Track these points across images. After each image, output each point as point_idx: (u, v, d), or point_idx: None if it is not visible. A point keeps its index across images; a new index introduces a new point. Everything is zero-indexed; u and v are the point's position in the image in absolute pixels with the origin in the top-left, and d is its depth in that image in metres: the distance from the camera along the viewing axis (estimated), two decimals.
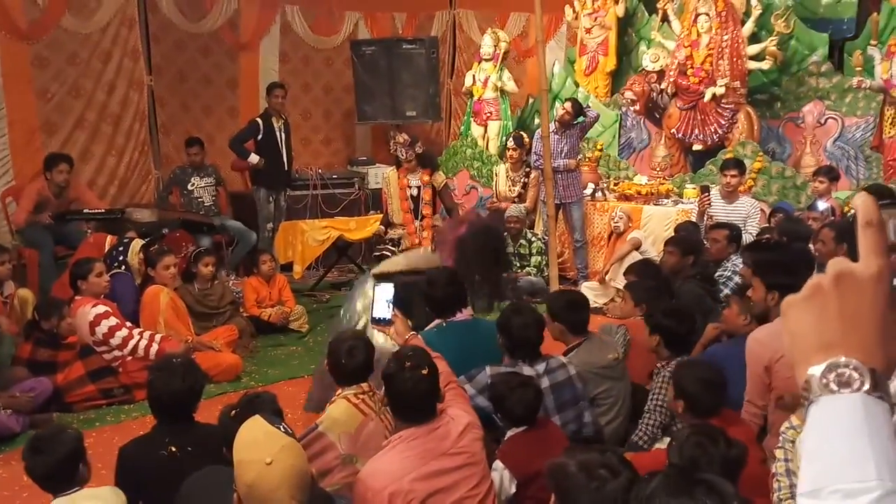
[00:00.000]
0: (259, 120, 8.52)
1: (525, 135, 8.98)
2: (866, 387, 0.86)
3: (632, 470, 2.27)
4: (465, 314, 4.31)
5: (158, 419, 3.39)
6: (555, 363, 3.97)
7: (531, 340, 3.95)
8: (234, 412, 2.98)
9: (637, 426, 4.03)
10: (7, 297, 6.05)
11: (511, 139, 8.83)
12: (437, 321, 4.25)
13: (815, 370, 0.89)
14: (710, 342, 4.66)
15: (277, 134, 8.55)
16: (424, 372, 3.08)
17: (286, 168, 8.69)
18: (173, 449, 3.23)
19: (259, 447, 2.37)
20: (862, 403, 0.86)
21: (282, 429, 2.44)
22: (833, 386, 0.87)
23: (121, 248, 6.17)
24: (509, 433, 3.54)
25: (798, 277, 4.19)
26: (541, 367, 3.90)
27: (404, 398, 3.06)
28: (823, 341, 0.90)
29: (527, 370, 3.85)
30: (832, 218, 6.54)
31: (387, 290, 3.67)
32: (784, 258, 4.70)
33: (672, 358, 4.06)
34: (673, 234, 6.90)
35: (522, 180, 8.81)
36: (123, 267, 6.10)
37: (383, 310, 3.67)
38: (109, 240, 6.42)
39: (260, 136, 8.45)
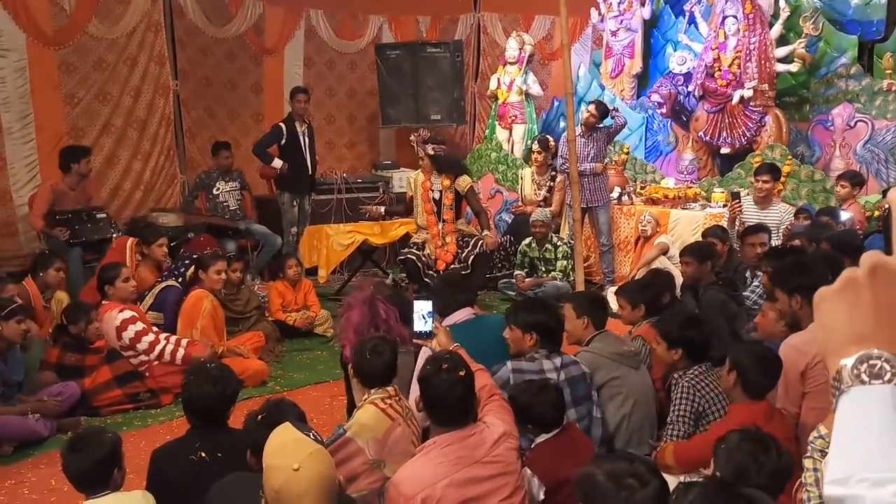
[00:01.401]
0: (282, 125, 8.52)
1: (550, 138, 8.95)
2: None
3: (661, 479, 2.25)
4: (466, 313, 4.31)
5: (191, 423, 3.38)
6: (568, 360, 4.00)
7: (551, 329, 4.00)
8: (259, 417, 2.96)
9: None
10: (47, 301, 6.10)
11: (536, 142, 8.80)
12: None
13: (847, 361, 0.89)
14: None
15: (301, 138, 8.55)
16: (461, 374, 3.06)
17: (310, 172, 8.68)
18: (203, 454, 3.23)
19: (287, 453, 2.38)
20: (892, 395, 0.86)
21: (311, 436, 2.43)
22: (864, 377, 0.87)
23: (186, 262, 6.23)
24: (537, 440, 3.50)
25: (816, 276, 4.19)
26: (558, 361, 3.93)
27: (440, 400, 3.04)
28: (856, 333, 0.89)
29: (546, 363, 3.89)
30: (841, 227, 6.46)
31: (425, 305, 3.65)
32: (799, 260, 4.66)
33: (689, 367, 4.02)
34: (701, 238, 6.83)
35: (548, 184, 8.78)
36: (180, 280, 6.16)
37: (423, 323, 3.65)
38: (130, 243, 6.43)
39: (283, 141, 8.45)
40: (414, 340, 3.78)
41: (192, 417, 3.38)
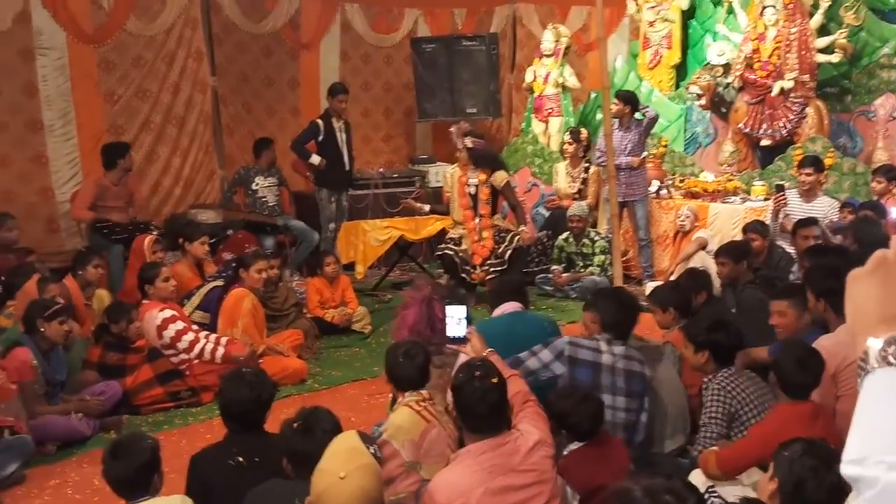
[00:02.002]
0: (320, 121, 8.54)
1: (582, 130, 8.88)
2: None
3: (698, 496, 2.23)
4: (514, 305, 4.33)
5: (229, 428, 3.42)
6: (633, 354, 3.99)
7: (620, 322, 4.02)
8: (295, 424, 2.99)
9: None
10: (89, 298, 6.19)
11: (568, 133, 8.74)
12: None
13: (875, 342, 0.88)
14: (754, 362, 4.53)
15: (338, 135, 8.57)
16: (494, 381, 3.06)
17: (347, 168, 8.71)
18: (241, 459, 3.26)
19: (338, 460, 2.46)
20: None
21: (371, 450, 2.50)
22: (891, 359, 0.87)
23: (233, 265, 6.30)
24: (570, 447, 3.50)
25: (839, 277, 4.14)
26: (618, 349, 3.93)
27: (473, 408, 3.04)
28: (886, 314, 0.90)
29: (603, 345, 3.91)
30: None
31: (459, 310, 3.66)
32: (832, 263, 4.61)
33: (719, 370, 3.98)
34: (741, 232, 6.76)
35: (581, 176, 8.71)
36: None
37: (458, 328, 3.65)
38: (147, 242, 6.52)
39: (321, 138, 8.48)
40: (447, 346, 3.78)
41: (229, 422, 3.41)
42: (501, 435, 3.04)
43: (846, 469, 0.86)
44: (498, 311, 4.32)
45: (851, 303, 0.93)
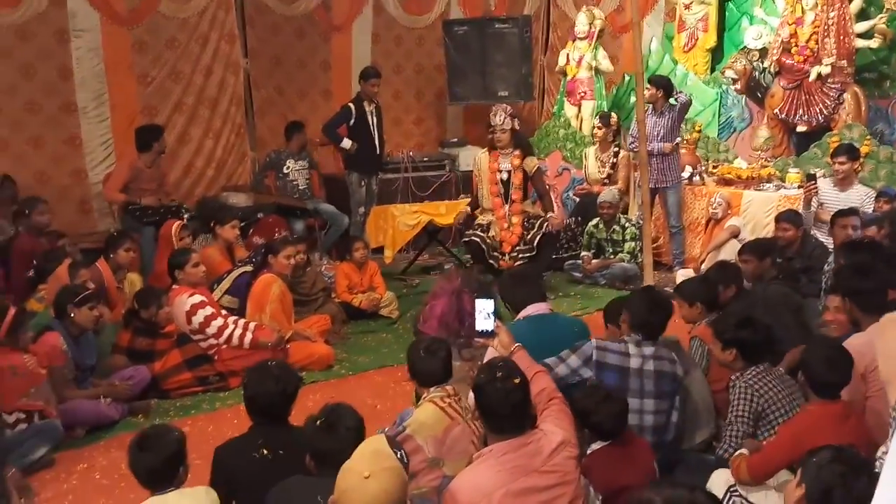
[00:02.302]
0: (351, 105, 8.54)
1: (612, 114, 8.79)
2: None
3: None
4: (541, 307, 4.26)
5: (253, 420, 3.44)
6: (665, 354, 3.94)
7: (650, 322, 3.96)
8: (318, 422, 3.00)
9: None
10: (120, 282, 6.26)
11: (597, 118, 8.65)
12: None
13: None
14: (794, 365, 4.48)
15: (369, 118, 8.57)
16: (516, 381, 3.04)
17: (378, 152, 8.70)
18: (265, 451, 3.28)
19: (365, 460, 2.49)
20: None
21: (397, 454, 2.53)
22: None
23: (262, 251, 6.32)
24: (594, 446, 3.48)
25: (873, 281, 4.09)
26: (648, 350, 3.89)
27: (496, 409, 3.02)
28: None
29: (633, 349, 3.87)
30: None
31: (487, 303, 3.64)
32: (861, 261, 4.53)
33: (747, 368, 3.93)
34: (774, 222, 6.68)
35: (611, 160, 8.63)
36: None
37: (486, 322, 3.64)
38: (175, 228, 6.58)
39: (352, 121, 8.47)
40: (475, 340, 3.77)
41: (254, 415, 3.43)
42: (524, 435, 3.03)
43: None
44: (524, 313, 4.25)
45: (884, 349, 0.92)
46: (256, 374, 3.47)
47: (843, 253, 5.22)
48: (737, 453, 3.58)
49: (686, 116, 8.39)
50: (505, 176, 7.48)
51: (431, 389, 3.61)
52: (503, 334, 3.62)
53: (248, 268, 6.15)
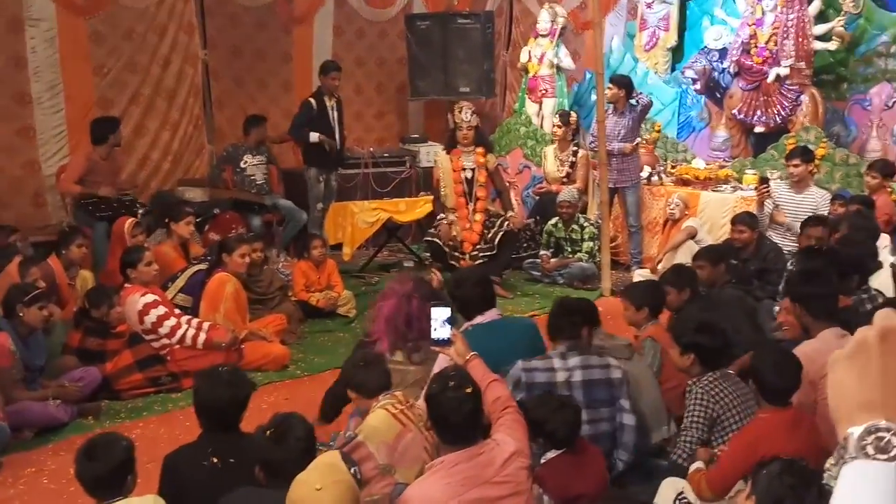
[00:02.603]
0: (312, 100, 8.46)
1: (572, 113, 8.79)
2: None
3: None
4: (491, 315, 4.23)
5: (204, 427, 3.40)
6: (594, 361, 3.93)
7: (563, 323, 3.96)
8: (268, 432, 2.97)
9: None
10: (72, 278, 6.15)
11: (557, 116, 8.63)
12: (465, 325, 4.19)
13: (855, 430, 0.86)
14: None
15: (330, 113, 8.50)
16: (468, 391, 3.03)
17: (339, 147, 8.64)
18: (215, 460, 3.25)
19: (318, 473, 2.57)
20: (894, 474, 0.83)
21: (352, 471, 2.60)
22: (870, 450, 0.85)
23: (217, 249, 6.23)
24: (547, 455, 3.48)
25: (822, 287, 4.14)
26: (574, 360, 3.87)
27: (447, 419, 3.02)
28: (865, 400, 0.87)
29: (558, 363, 3.85)
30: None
31: (443, 311, 3.62)
32: (812, 268, 4.58)
33: (704, 374, 3.95)
34: (731, 224, 6.72)
35: (570, 160, 8.62)
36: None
37: (442, 330, 3.62)
38: (127, 226, 6.48)
39: (313, 115, 8.39)
40: (431, 348, 3.75)
41: (204, 421, 3.39)
42: (477, 445, 3.02)
43: None
44: (475, 320, 4.24)
45: (832, 387, 0.91)
46: (207, 380, 3.43)
47: (799, 258, 5.27)
48: (693, 468, 3.58)
49: (646, 116, 8.44)
50: (469, 174, 7.47)
51: (381, 397, 3.58)
52: (459, 343, 3.60)
53: (203, 266, 6.07)
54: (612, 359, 4.04)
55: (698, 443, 3.82)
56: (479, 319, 4.20)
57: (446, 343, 3.61)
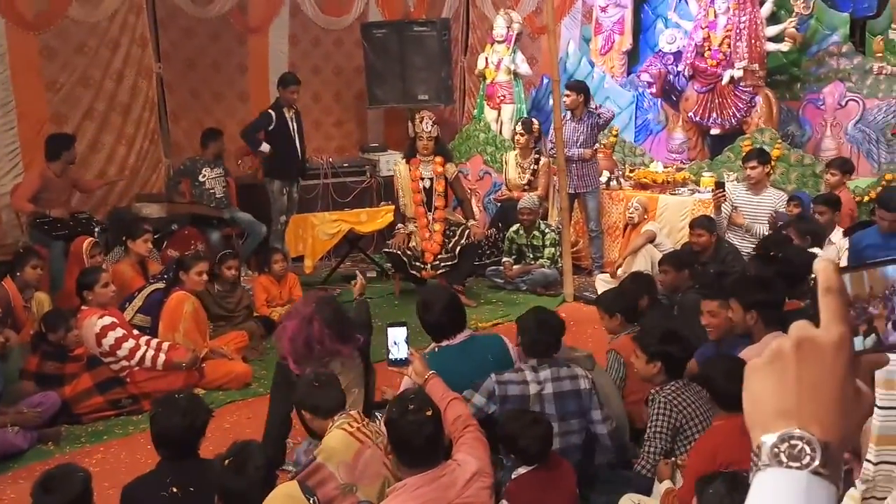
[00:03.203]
0: (271, 111, 8.42)
1: (535, 121, 8.81)
2: (816, 463, 0.84)
3: None
4: (461, 336, 4.19)
5: (162, 455, 3.37)
6: (565, 373, 3.94)
7: (542, 342, 3.99)
8: (227, 461, 2.95)
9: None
10: (28, 301, 6.05)
11: (520, 124, 8.64)
12: (431, 345, 4.18)
13: (768, 438, 0.87)
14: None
15: (290, 124, 8.47)
16: (428, 414, 3.03)
17: (300, 158, 8.60)
18: (175, 489, 3.21)
19: (277, 502, 2.73)
20: (806, 483, 0.84)
21: (311, 501, 2.74)
22: (783, 457, 0.85)
23: (174, 267, 6.14)
24: (518, 471, 3.48)
25: (775, 294, 4.19)
26: (545, 373, 3.89)
27: (408, 443, 3.01)
28: (780, 408, 0.88)
29: (529, 375, 3.87)
30: None
31: (399, 331, 3.61)
32: (762, 274, 4.64)
33: (668, 382, 3.98)
34: (689, 228, 6.78)
35: (532, 167, 8.63)
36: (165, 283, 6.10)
37: (399, 350, 3.60)
38: (86, 246, 6.39)
39: (272, 127, 8.35)
40: (389, 368, 3.74)
41: (162, 450, 3.36)
42: (438, 467, 3.02)
43: None
44: (452, 339, 4.15)
45: (748, 395, 0.93)
46: (163, 407, 3.40)
47: (753, 265, 5.31)
48: (664, 489, 3.59)
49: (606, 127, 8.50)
50: (427, 184, 7.47)
51: (337, 416, 3.57)
52: (417, 362, 3.60)
53: (161, 284, 6.00)
54: (580, 368, 4.06)
55: (661, 453, 3.84)
56: (448, 342, 4.14)
57: (404, 363, 3.60)
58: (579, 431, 3.91)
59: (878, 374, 1.80)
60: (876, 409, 1.87)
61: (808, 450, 0.85)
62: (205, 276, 5.89)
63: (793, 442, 0.85)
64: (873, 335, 0.91)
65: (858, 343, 0.90)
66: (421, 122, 7.44)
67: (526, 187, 8.54)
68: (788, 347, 0.89)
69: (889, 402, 1.87)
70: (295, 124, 8.55)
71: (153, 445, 3.40)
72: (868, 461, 1.97)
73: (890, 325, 0.90)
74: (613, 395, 4.38)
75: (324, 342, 4.06)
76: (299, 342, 4.12)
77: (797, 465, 0.84)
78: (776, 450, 0.85)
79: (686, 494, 3.40)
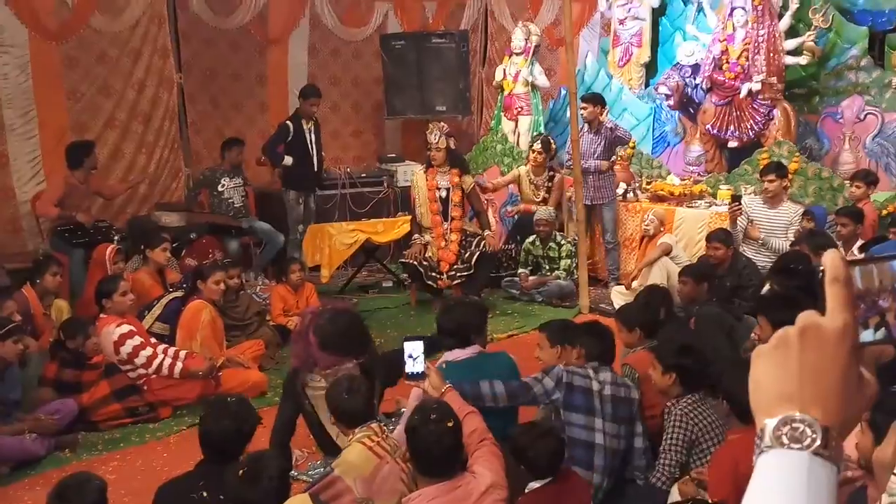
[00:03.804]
0: (289, 122, 8.47)
1: (552, 140, 8.77)
2: (817, 444, 0.86)
3: None
4: (469, 351, 4.18)
5: (204, 456, 3.39)
6: (620, 380, 4.07)
7: (606, 352, 4.17)
8: (241, 472, 2.97)
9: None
10: (47, 308, 6.10)
11: (538, 143, 8.60)
12: (440, 361, 4.19)
13: (771, 421, 0.89)
14: None
15: (307, 135, 8.51)
16: (449, 425, 3.05)
17: (316, 169, 8.65)
18: (205, 494, 3.23)
19: None
20: (808, 463, 0.86)
21: None
22: (784, 439, 0.87)
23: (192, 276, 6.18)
24: (530, 485, 3.49)
25: (800, 309, 4.18)
26: (605, 375, 3.98)
27: (428, 452, 3.04)
28: (783, 393, 0.90)
29: (592, 373, 3.96)
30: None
31: (416, 345, 3.62)
32: (789, 291, 4.63)
33: (684, 395, 3.98)
34: (706, 241, 6.76)
35: (546, 184, 8.55)
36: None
37: (415, 364, 3.62)
38: (109, 252, 6.43)
39: (290, 138, 8.40)
40: (406, 382, 3.75)
41: (206, 450, 3.38)
42: (455, 479, 3.04)
43: None
44: (453, 356, 4.14)
45: (753, 380, 0.95)
46: (214, 409, 3.44)
47: (775, 278, 5.27)
48: None
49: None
50: (444, 193, 7.50)
51: (357, 430, 3.58)
52: (434, 376, 3.61)
53: (179, 293, 6.04)
54: (630, 381, 4.19)
55: (677, 466, 3.84)
56: (457, 354, 4.14)
57: (420, 377, 3.61)
58: (625, 437, 3.96)
59: None
60: None
61: (808, 432, 0.87)
62: (222, 285, 5.91)
63: (794, 425, 0.88)
64: (884, 329, 0.93)
65: (869, 335, 0.93)
66: (430, 133, 7.48)
67: (541, 204, 8.52)
68: (793, 334, 0.91)
69: None
70: (313, 136, 8.59)
71: (200, 444, 3.41)
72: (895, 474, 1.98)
73: None
74: None
75: (320, 354, 4.10)
76: (300, 353, 4.18)
77: (798, 446, 0.87)
78: (778, 432, 0.88)
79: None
